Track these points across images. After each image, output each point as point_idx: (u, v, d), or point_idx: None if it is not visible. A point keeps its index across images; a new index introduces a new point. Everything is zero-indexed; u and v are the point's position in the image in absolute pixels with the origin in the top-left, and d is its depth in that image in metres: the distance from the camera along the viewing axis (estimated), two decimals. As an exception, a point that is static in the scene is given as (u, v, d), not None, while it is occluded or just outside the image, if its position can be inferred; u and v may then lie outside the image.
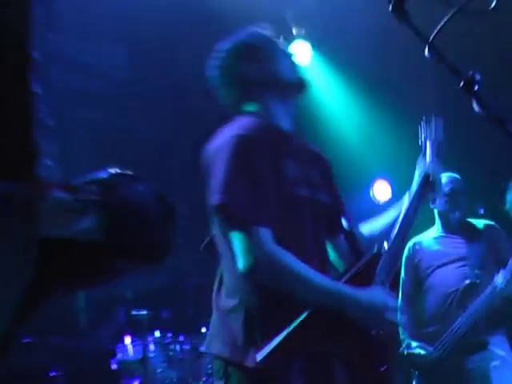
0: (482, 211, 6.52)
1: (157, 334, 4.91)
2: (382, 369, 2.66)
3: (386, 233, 2.84)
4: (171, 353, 4.98)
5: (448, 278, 4.65)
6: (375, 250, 2.65)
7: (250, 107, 2.71)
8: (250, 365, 2.37)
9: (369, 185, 6.84)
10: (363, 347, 2.61)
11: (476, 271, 4.60)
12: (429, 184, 2.96)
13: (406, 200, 2.95)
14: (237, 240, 2.41)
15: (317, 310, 2.43)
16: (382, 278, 2.63)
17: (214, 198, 2.38)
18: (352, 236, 2.74)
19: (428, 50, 2.08)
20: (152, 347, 4.80)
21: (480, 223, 4.82)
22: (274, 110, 2.74)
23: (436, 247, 4.86)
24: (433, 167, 3.04)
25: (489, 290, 4.42)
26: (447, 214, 4.70)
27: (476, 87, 2.04)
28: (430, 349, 4.45)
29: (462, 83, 2.04)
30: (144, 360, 4.62)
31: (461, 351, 4.42)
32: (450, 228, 4.71)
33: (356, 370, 2.56)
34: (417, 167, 3.05)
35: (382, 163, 7.00)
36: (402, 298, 4.70)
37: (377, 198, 6.73)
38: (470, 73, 2.05)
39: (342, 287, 2.50)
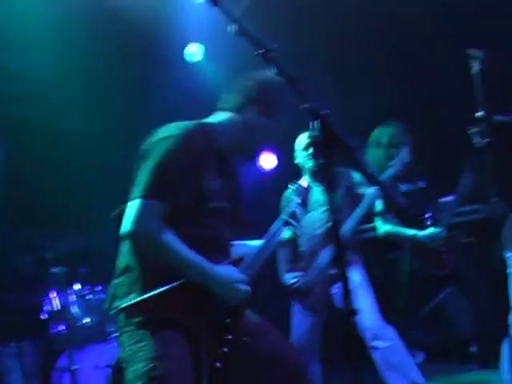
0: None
1: (77, 286, 5.50)
2: (229, 337, 3.04)
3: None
4: (89, 301, 5.53)
5: (314, 221, 5.27)
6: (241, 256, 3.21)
7: (216, 117, 3.16)
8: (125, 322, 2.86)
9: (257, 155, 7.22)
10: (211, 331, 2.97)
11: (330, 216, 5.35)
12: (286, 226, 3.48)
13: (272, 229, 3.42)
14: (132, 206, 2.82)
15: (183, 285, 2.84)
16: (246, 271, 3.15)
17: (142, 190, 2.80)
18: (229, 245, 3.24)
19: (234, 25, 2.40)
20: (73, 298, 5.42)
21: (339, 170, 5.37)
22: (230, 135, 3.13)
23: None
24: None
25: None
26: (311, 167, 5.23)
27: (273, 55, 2.42)
28: (302, 279, 5.15)
29: (261, 51, 2.39)
30: (66, 309, 5.29)
31: (324, 280, 5.14)
32: (314, 178, 5.28)
33: (202, 341, 2.90)
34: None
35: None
36: (280, 243, 5.12)
37: (263, 166, 6.93)
38: (269, 43, 2.42)
39: (208, 263, 2.93)
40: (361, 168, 2.55)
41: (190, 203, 2.91)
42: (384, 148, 5.64)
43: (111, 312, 2.96)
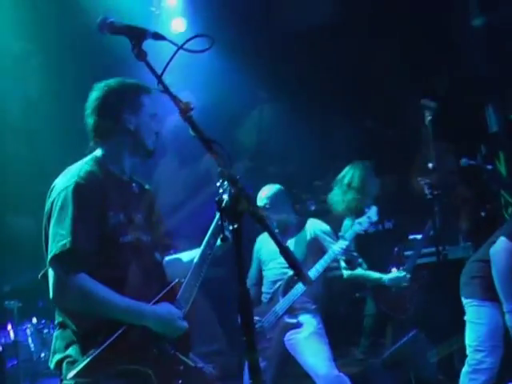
0: (312, 207, 7.51)
1: (34, 320, 5.55)
2: (181, 368, 3.10)
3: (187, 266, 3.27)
4: (45, 335, 5.55)
5: (277, 268, 5.52)
6: (176, 280, 3.17)
7: (98, 151, 3.11)
8: (68, 380, 2.86)
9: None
10: (162, 366, 3.02)
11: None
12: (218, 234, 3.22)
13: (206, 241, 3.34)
14: (51, 274, 2.88)
15: (123, 333, 2.87)
16: (182, 303, 3.15)
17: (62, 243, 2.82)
18: (161, 268, 3.24)
19: (158, 83, 2.45)
20: (29, 331, 5.47)
21: (306, 221, 5.64)
22: (118, 157, 3.12)
23: (271, 244, 5.69)
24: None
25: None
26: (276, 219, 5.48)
27: (192, 113, 2.41)
28: (259, 322, 5.32)
29: (180, 111, 2.39)
30: (20, 342, 5.34)
31: (280, 326, 5.34)
32: (280, 229, 5.51)
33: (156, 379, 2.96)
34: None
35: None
36: (249, 281, 5.59)
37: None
38: (188, 102, 2.42)
39: (142, 305, 2.98)
40: (267, 230, 2.50)
41: (102, 247, 2.94)
42: (355, 191, 5.85)
43: (52, 367, 3.02)
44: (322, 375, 5.17)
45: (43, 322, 5.67)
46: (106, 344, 2.83)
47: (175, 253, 3.43)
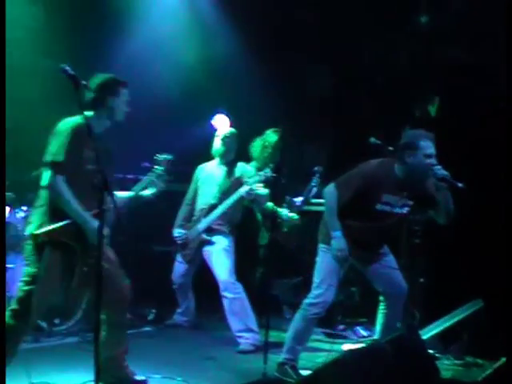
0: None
1: (24, 208, 6.66)
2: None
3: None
4: None
5: (205, 196, 6.73)
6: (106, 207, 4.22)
7: (87, 112, 4.44)
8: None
9: (212, 116, 7.66)
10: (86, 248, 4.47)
11: (217, 195, 6.76)
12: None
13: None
14: (48, 172, 4.40)
15: (72, 222, 4.42)
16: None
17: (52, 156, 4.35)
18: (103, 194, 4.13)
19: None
20: (20, 216, 6.64)
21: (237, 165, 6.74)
22: (98, 120, 4.62)
23: (208, 173, 6.89)
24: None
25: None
26: (222, 154, 6.79)
27: None
28: (183, 235, 6.64)
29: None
30: (11, 222, 6.45)
31: (199, 240, 6.63)
32: (222, 161, 6.78)
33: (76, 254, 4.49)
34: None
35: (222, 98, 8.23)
36: (184, 201, 6.98)
37: (217, 127, 7.33)
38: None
39: (87, 215, 4.45)
40: None
41: (76, 167, 4.48)
42: (268, 151, 7.06)
43: (26, 233, 4.55)
44: (222, 280, 6.48)
45: (30, 209, 6.20)
46: (63, 223, 4.42)
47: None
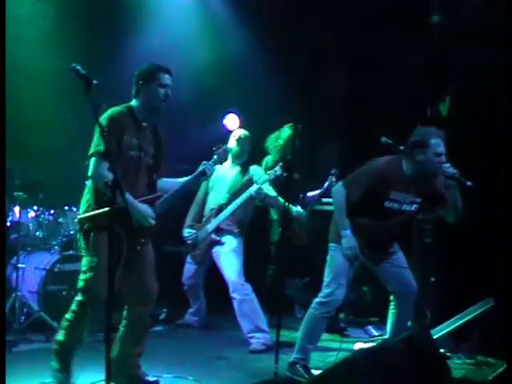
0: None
1: (35, 208, 6.80)
2: (142, 241, 4.57)
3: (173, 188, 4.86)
4: (41, 219, 6.83)
5: (215, 197, 6.70)
6: (159, 193, 4.73)
7: (132, 102, 4.67)
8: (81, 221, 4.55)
9: (223, 116, 7.63)
10: (131, 235, 4.50)
11: (227, 195, 6.74)
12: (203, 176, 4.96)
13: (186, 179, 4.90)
14: (91, 161, 4.48)
15: (121, 207, 4.09)
16: (157, 209, 4.66)
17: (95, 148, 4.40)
18: (153, 183, 4.74)
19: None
20: (31, 215, 6.76)
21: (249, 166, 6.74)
22: (140, 109, 4.66)
23: (220, 173, 6.78)
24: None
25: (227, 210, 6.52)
26: (236, 154, 6.77)
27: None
28: (193, 235, 6.61)
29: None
30: (22, 222, 6.56)
31: (209, 241, 6.60)
32: (235, 161, 6.76)
33: (125, 241, 4.48)
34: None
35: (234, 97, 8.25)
36: (195, 200, 6.97)
37: (228, 127, 7.43)
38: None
39: (132, 198, 4.43)
40: None
41: (118, 154, 4.52)
42: (282, 147, 7.05)
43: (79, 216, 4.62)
44: (230, 281, 6.45)
45: (41, 209, 6.85)
46: (103, 210, 4.15)
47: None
